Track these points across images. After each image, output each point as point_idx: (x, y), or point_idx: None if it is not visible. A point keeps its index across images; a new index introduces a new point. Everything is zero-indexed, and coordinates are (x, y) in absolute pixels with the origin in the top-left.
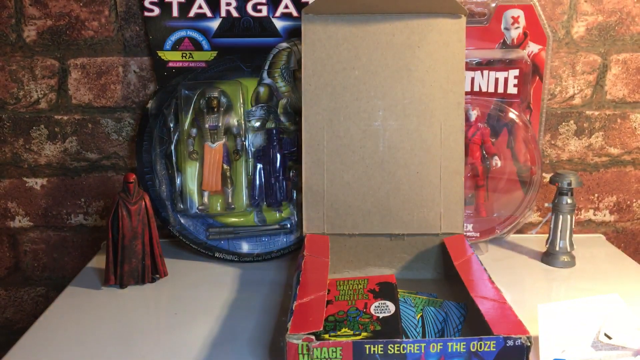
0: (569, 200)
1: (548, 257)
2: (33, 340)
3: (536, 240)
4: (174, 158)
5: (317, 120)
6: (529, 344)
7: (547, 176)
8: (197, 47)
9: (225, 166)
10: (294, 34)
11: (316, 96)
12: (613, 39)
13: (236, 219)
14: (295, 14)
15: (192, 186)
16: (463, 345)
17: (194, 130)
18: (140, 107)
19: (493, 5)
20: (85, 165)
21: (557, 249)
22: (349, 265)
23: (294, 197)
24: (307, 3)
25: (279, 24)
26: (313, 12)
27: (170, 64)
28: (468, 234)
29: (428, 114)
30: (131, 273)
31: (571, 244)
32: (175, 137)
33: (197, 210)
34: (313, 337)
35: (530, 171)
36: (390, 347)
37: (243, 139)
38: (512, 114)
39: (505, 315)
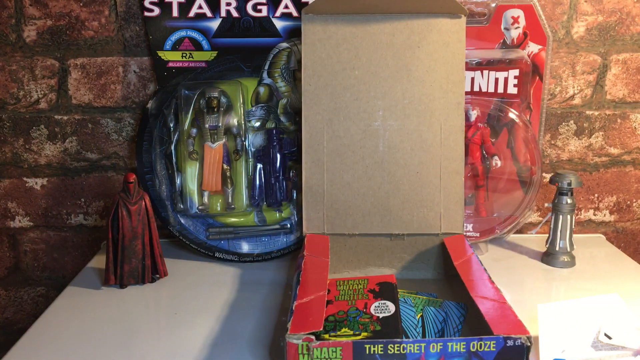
0: (569, 200)
1: (548, 257)
2: (33, 340)
3: (536, 240)
4: (174, 158)
5: (317, 120)
6: (529, 344)
7: (547, 176)
8: (197, 47)
9: (225, 166)
10: (294, 34)
11: (316, 96)
12: (613, 39)
13: (236, 219)
14: (295, 14)
15: (192, 186)
16: (463, 345)
17: (194, 130)
18: (140, 107)
19: (493, 5)
20: (85, 165)
21: (557, 249)
22: (349, 265)
23: (294, 197)
24: (307, 3)
25: (279, 24)
26: (313, 12)
27: (170, 64)
28: (468, 234)
29: (428, 114)
30: (131, 273)
31: (571, 244)
32: (175, 137)
33: (197, 210)
34: (313, 337)
35: (530, 171)
36: (390, 347)
37: (243, 139)
38: (512, 114)
39: (505, 315)
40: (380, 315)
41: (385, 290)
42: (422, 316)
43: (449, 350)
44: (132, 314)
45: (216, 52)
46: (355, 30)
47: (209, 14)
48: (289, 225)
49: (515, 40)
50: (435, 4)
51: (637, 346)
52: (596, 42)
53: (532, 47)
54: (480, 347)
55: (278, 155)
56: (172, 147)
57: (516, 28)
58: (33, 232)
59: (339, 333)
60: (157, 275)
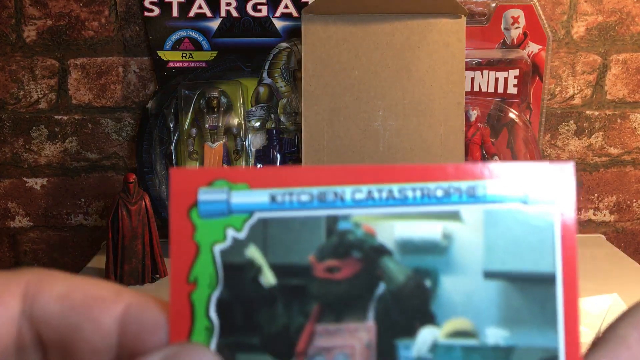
0: None
1: None
2: None
3: None
4: (174, 158)
5: (317, 120)
6: None
7: None
8: (197, 47)
9: (225, 166)
10: (294, 34)
11: (316, 96)
12: (613, 39)
13: None
14: (295, 14)
15: None
16: None
17: (194, 130)
18: (140, 107)
19: (493, 5)
20: (85, 165)
21: None
22: None
23: None
24: (307, 3)
25: (279, 24)
26: (313, 12)
27: (170, 64)
28: None
29: (428, 114)
30: (131, 273)
31: None
32: (175, 137)
33: None
34: None
35: None
36: None
37: (243, 139)
38: (512, 114)
39: None
40: None
41: None
42: None
43: None
44: None
45: (216, 52)
46: (355, 30)
47: (209, 14)
48: None
49: (515, 40)
50: (435, 4)
51: None
52: (596, 42)
53: (532, 47)
54: None
55: (278, 155)
56: (172, 147)
57: (516, 28)
58: (33, 232)
59: None
60: (157, 275)
